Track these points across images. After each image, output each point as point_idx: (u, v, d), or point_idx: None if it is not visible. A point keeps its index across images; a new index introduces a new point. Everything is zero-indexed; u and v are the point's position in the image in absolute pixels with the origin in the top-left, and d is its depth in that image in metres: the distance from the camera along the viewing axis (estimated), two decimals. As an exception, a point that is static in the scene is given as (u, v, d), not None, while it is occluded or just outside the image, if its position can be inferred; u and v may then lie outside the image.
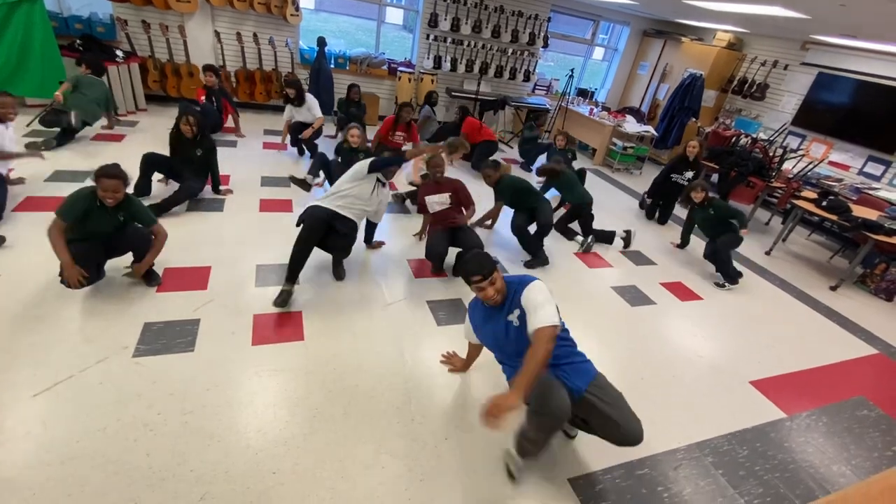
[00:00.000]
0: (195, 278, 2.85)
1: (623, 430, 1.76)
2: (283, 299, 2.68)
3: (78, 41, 5.05)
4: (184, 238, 3.25)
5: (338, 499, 1.77)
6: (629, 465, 2.14)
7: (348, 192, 2.94)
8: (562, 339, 1.90)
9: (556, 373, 1.83)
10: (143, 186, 3.60)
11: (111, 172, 2.35)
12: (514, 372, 1.85)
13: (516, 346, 1.87)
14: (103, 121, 4.79)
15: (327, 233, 2.85)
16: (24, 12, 4.23)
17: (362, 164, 2.97)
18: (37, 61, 4.38)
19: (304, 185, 4.04)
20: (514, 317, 1.87)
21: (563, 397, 1.70)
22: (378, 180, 3.05)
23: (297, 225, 2.85)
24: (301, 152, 5.17)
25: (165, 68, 5.65)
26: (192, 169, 3.68)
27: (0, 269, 2.61)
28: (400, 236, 3.86)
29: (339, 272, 3.10)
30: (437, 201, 3.35)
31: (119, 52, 5.20)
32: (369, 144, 4.83)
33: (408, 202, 4.46)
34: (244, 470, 1.80)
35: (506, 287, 1.90)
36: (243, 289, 2.85)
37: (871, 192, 5.45)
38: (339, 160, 4.21)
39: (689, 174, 4.97)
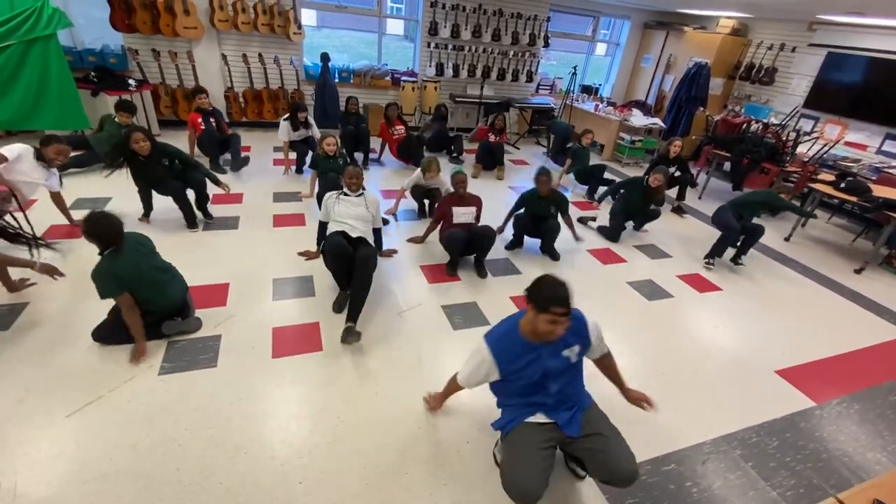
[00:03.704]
0: (214, 295, 2.91)
1: (614, 470, 1.64)
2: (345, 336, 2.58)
3: (92, 73, 5.22)
4: (201, 257, 3.32)
5: (364, 506, 1.78)
6: (655, 461, 2.11)
7: (348, 220, 3.00)
8: (579, 370, 1.82)
9: (555, 416, 1.75)
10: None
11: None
12: (543, 409, 1.75)
13: (570, 384, 1.77)
14: None
15: (351, 263, 2.81)
16: (40, 49, 4.40)
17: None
18: (54, 95, 4.54)
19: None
20: (571, 352, 1.72)
21: (532, 480, 1.57)
22: (359, 195, 3.09)
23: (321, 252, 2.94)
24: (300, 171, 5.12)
25: (176, 93, 5.82)
26: (169, 179, 3.55)
27: (27, 297, 2.71)
28: (411, 244, 3.88)
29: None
30: (464, 213, 3.50)
31: (131, 81, 5.37)
32: (344, 151, 4.89)
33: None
34: (271, 481, 1.83)
35: None
36: (261, 303, 2.91)
37: (891, 170, 5.30)
38: (317, 169, 4.25)
39: (672, 168, 5.15)
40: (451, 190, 3.68)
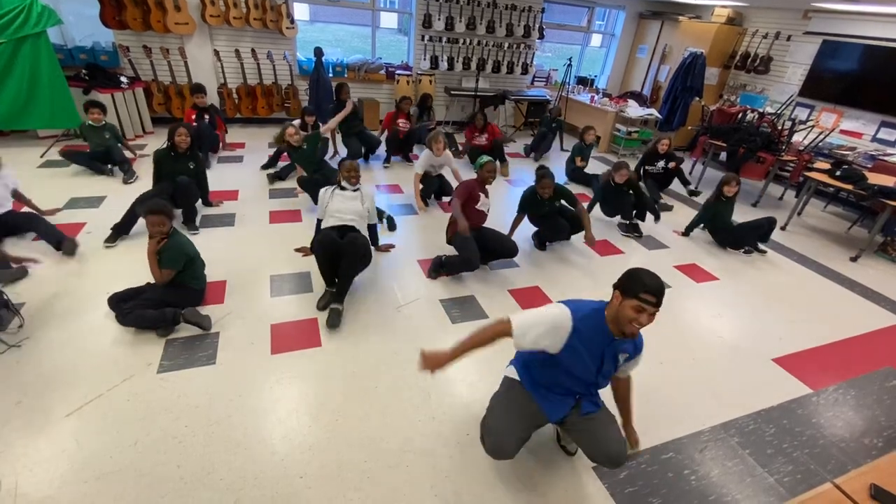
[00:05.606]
0: (212, 293, 2.90)
1: (597, 452, 1.74)
2: (333, 321, 2.70)
3: (84, 71, 5.16)
4: (198, 254, 3.31)
5: (365, 499, 1.79)
6: (654, 450, 2.13)
7: (344, 214, 2.99)
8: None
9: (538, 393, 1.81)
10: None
11: (150, 209, 2.48)
12: (571, 403, 1.78)
13: (603, 381, 1.76)
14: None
15: (339, 255, 2.80)
16: (30, 48, 4.34)
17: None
18: (45, 94, 4.49)
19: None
20: (623, 357, 1.71)
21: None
22: (356, 189, 3.10)
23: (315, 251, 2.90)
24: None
25: (169, 90, 5.76)
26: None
27: (24, 298, 2.70)
28: (409, 238, 3.88)
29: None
30: (486, 203, 3.39)
31: (123, 79, 5.31)
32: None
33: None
34: (272, 476, 1.84)
35: None
36: (259, 300, 2.90)
37: (886, 158, 5.32)
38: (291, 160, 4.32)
39: (661, 163, 5.20)
40: (458, 169, 3.63)
